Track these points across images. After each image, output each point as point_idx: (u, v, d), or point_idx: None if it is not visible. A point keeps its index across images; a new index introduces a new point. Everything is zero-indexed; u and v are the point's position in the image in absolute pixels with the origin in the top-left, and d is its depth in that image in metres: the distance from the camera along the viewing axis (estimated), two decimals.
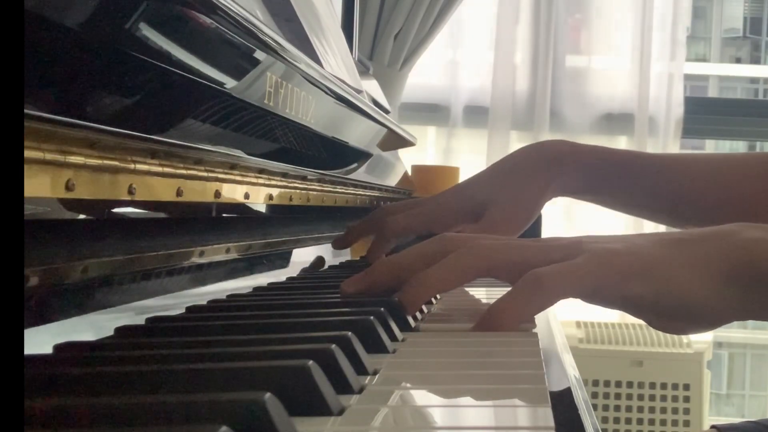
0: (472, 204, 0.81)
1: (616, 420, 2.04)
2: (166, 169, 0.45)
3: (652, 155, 0.68)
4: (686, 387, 2.03)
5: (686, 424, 2.03)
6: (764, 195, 0.66)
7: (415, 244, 0.58)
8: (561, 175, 0.81)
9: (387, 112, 1.24)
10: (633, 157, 0.82)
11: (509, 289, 0.50)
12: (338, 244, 0.82)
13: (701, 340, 2.07)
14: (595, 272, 0.50)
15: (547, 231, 1.27)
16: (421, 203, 0.84)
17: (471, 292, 0.72)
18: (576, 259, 0.50)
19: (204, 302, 0.54)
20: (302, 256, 0.78)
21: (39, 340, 0.37)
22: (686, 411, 2.03)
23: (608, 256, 0.50)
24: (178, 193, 0.46)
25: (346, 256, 0.94)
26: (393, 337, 0.46)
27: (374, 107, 0.95)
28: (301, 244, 0.76)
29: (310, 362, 0.30)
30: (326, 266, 0.82)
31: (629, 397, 2.04)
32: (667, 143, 2.26)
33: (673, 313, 0.52)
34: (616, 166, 0.81)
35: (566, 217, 2.23)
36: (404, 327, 0.50)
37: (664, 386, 2.04)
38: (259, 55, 0.54)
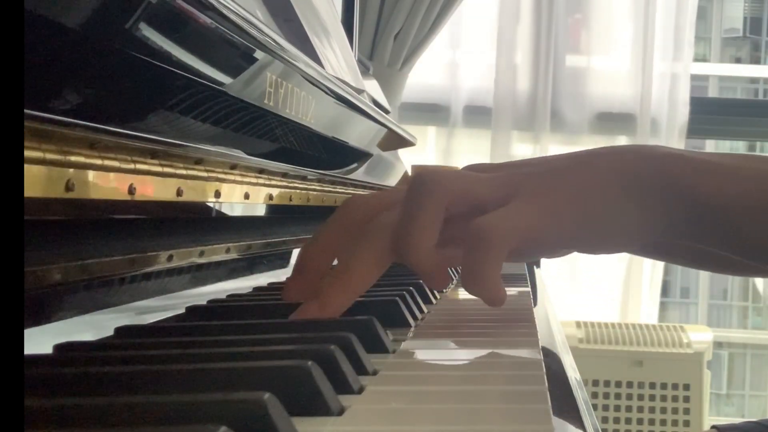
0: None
1: (616, 420, 2.04)
2: (166, 169, 0.45)
3: (558, 156, 0.57)
4: (686, 387, 2.03)
5: (686, 424, 2.03)
6: None
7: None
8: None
9: (387, 112, 1.24)
10: (538, 163, 0.64)
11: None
12: None
13: (701, 340, 2.07)
14: (536, 224, 0.49)
15: None
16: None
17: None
18: (514, 203, 0.49)
19: (204, 302, 0.54)
20: None
21: (39, 340, 0.37)
22: (686, 411, 2.03)
23: (542, 198, 0.50)
24: (178, 193, 0.46)
25: None
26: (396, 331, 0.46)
27: (374, 107, 0.95)
28: (301, 244, 0.76)
29: (310, 362, 0.30)
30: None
31: (629, 397, 2.04)
32: (671, 144, 2.26)
33: (602, 230, 0.51)
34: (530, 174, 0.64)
35: None
36: (405, 326, 0.50)
37: (664, 386, 2.04)
38: (258, 54, 0.54)
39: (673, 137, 2.26)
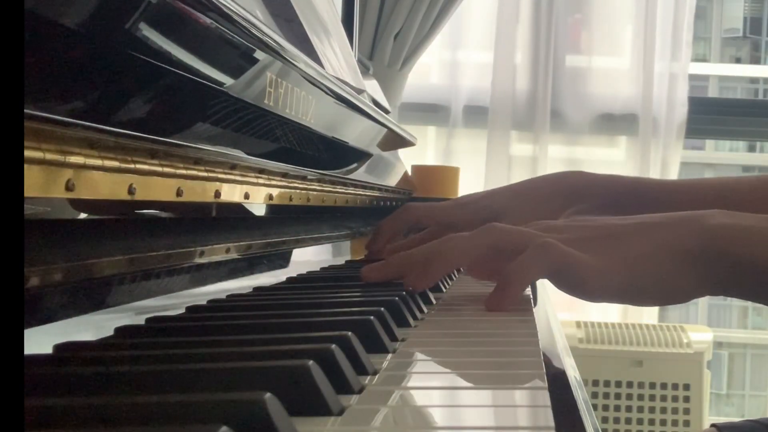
0: (487, 213, 0.87)
1: (616, 420, 2.04)
2: (166, 169, 0.45)
3: (658, 181, 0.73)
4: (686, 387, 2.03)
5: (686, 424, 2.03)
6: None
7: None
8: (575, 204, 0.87)
9: (387, 112, 1.24)
10: (639, 184, 0.87)
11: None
12: (372, 246, 0.89)
13: (701, 340, 2.07)
14: (593, 272, 0.58)
15: None
16: (442, 204, 0.93)
17: (472, 292, 0.72)
18: (583, 253, 0.59)
19: (204, 302, 0.54)
20: (302, 256, 0.78)
21: (39, 340, 0.37)
22: (686, 411, 2.03)
23: (599, 260, 0.59)
24: (178, 193, 0.46)
25: (346, 256, 0.94)
26: (393, 337, 0.46)
27: (374, 107, 0.95)
28: (301, 244, 0.76)
29: (310, 362, 0.30)
30: (327, 266, 0.82)
31: (629, 397, 2.04)
32: (670, 144, 2.26)
33: (650, 294, 0.60)
34: (624, 194, 0.85)
35: None
36: (405, 326, 0.50)
37: (664, 386, 2.04)
38: (259, 55, 0.54)
39: (671, 137, 2.26)
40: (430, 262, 0.61)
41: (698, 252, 0.58)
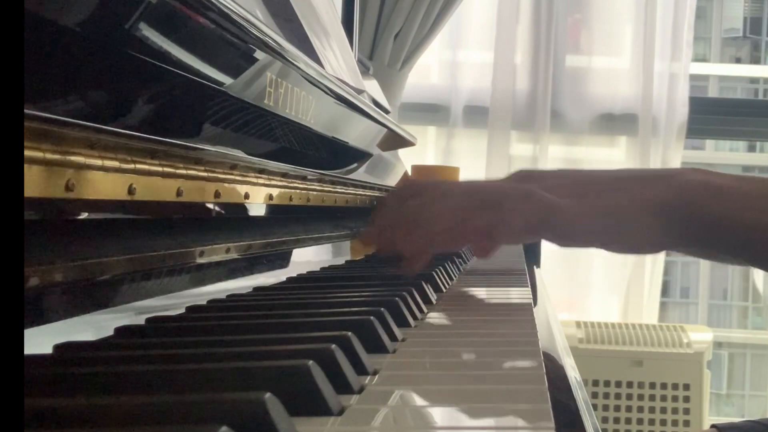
0: None
1: (616, 420, 2.04)
2: (166, 169, 0.45)
3: (606, 172, 0.75)
4: (686, 387, 2.03)
5: (686, 424, 2.03)
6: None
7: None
8: None
9: (387, 112, 1.24)
10: (585, 176, 0.88)
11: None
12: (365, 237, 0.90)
13: (701, 340, 2.07)
14: (569, 215, 0.63)
15: None
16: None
17: (472, 292, 0.72)
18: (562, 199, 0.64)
19: (204, 302, 0.54)
20: (302, 256, 0.78)
21: (39, 340, 0.37)
22: (686, 411, 2.03)
23: (580, 206, 0.63)
24: (178, 193, 0.46)
25: (346, 256, 0.94)
26: (393, 337, 0.46)
27: (374, 107, 0.95)
28: (301, 244, 0.76)
29: (310, 362, 0.30)
30: (326, 266, 0.82)
31: (629, 397, 2.04)
32: (670, 144, 2.26)
33: (624, 242, 0.65)
34: (575, 185, 0.87)
35: None
36: (405, 326, 0.50)
37: (664, 386, 2.04)
38: (259, 55, 0.54)
39: (672, 137, 2.26)
40: (418, 224, 0.64)
41: (670, 205, 0.62)
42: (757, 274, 3.28)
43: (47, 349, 0.38)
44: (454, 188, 0.67)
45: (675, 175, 0.65)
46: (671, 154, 2.26)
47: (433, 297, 0.64)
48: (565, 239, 0.64)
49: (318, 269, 0.79)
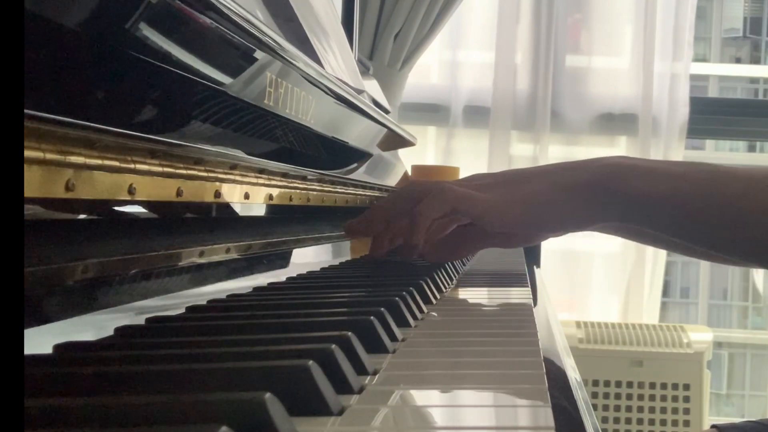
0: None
1: (616, 420, 2.04)
2: (166, 169, 0.45)
3: (532, 168, 0.81)
4: (686, 387, 2.03)
5: (686, 424, 2.03)
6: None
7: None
8: None
9: (387, 112, 1.24)
10: (510, 172, 0.89)
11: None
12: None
13: (701, 340, 2.07)
14: (492, 206, 0.70)
15: None
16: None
17: (472, 292, 0.72)
18: (483, 193, 0.71)
19: (204, 302, 0.54)
20: (302, 256, 0.78)
21: (39, 340, 0.37)
22: (686, 411, 2.03)
23: (503, 197, 0.70)
24: (178, 193, 0.46)
25: (346, 256, 0.94)
26: (393, 337, 0.46)
27: (374, 107, 0.95)
28: (301, 244, 0.76)
29: (310, 362, 0.30)
30: (326, 266, 0.82)
31: (629, 397, 2.04)
32: (671, 144, 2.26)
33: (548, 224, 0.71)
34: (498, 180, 0.88)
35: None
36: (405, 326, 0.50)
37: (664, 386, 2.04)
38: (259, 55, 0.54)
39: (673, 137, 2.26)
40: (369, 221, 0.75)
41: (591, 186, 0.69)
42: (757, 274, 3.28)
43: (47, 349, 0.38)
44: (398, 190, 0.81)
45: (597, 160, 0.71)
46: (672, 155, 2.26)
47: (433, 297, 0.64)
48: (486, 223, 0.71)
49: (318, 269, 0.79)
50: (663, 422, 2.03)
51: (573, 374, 0.44)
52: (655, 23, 2.26)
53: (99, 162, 0.38)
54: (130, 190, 0.41)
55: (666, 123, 2.26)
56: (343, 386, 0.33)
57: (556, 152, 2.30)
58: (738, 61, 4.25)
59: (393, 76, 2.20)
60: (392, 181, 1.19)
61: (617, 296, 2.32)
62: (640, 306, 2.28)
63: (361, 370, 0.37)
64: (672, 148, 2.26)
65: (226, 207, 0.60)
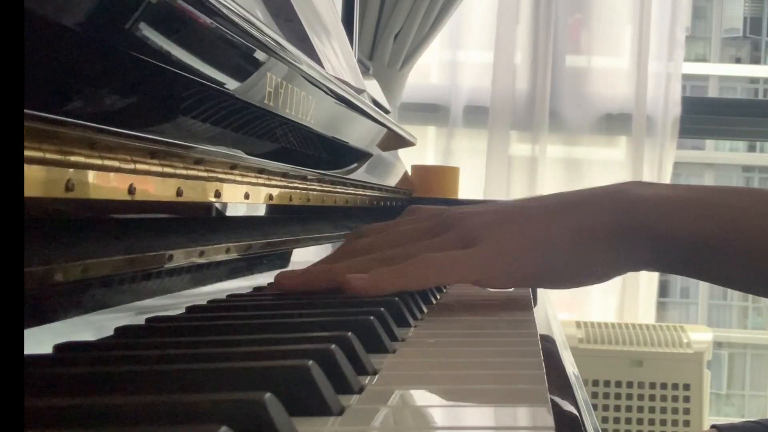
0: None
1: (616, 420, 2.04)
2: (166, 169, 0.45)
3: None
4: (686, 387, 2.03)
5: (686, 424, 2.03)
6: None
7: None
8: None
9: (387, 112, 1.24)
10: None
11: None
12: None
13: (701, 340, 2.07)
14: (481, 267, 0.55)
15: None
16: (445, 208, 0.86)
17: (472, 292, 0.72)
18: (470, 250, 0.55)
19: (204, 302, 0.54)
20: (302, 256, 0.78)
21: (39, 340, 0.37)
22: (686, 411, 2.03)
23: (498, 247, 0.56)
24: (178, 193, 0.46)
25: None
26: (393, 337, 0.46)
27: (374, 107, 0.95)
28: (301, 244, 0.76)
29: (310, 362, 0.30)
30: None
31: (629, 397, 2.04)
32: (665, 143, 2.26)
33: (559, 278, 0.57)
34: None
35: None
36: (405, 326, 0.50)
37: (664, 386, 2.04)
38: (259, 55, 0.54)
39: (667, 137, 2.26)
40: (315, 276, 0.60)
41: (615, 228, 0.55)
42: None
43: (47, 349, 0.38)
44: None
45: (614, 193, 0.56)
46: (666, 154, 2.26)
47: (433, 297, 0.64)
48: (488, 285, 0.58)
49: None
50: (663, 422, 2.03)
51: (573, 374, 0.44)
52: (650, 23, 2.26)
53: (99, 162, 0.38)
54: (130, 190, 0.41)
55: (661, 123, 2.26)
56: (343, 386, 0.33)
57: (556, 152, 2.30)
58: (738, 61, 4.25)
59: (393, 76, 2.20)
60: (392, 181, 1.19)
61: (614, 296, 2.32)
62: (636, 306, 2.28)
63: (361, 370, 0.37)
64: (666, 148, 2.26)
65: (226, 207, 0.60)
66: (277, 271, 0.62)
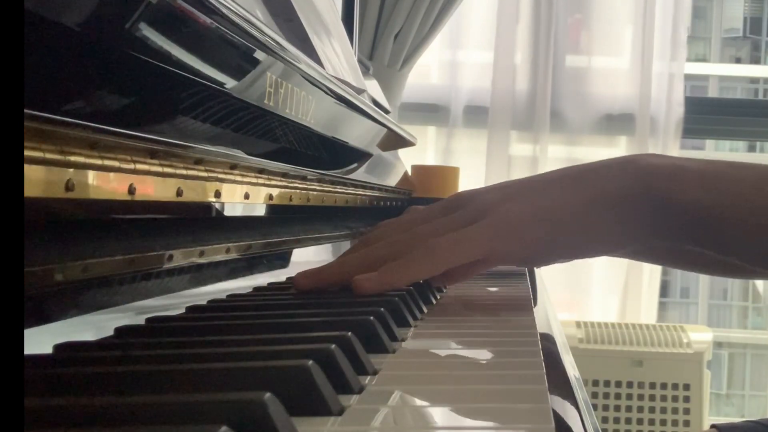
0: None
1: (616, 420, 2.04)
2: (166, 169, 0.45)
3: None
4: (686, 387, 2.03)
5: (686, 424, 2.03)
6: None
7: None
8: None
9: (387, 112, 1.24)
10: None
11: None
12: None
13: (701, 340, 2.07)
14: (489, 240, 0.55)
15: None
16: None
17: (472, 292, 0.72)
18: (475, 224, 0.55)
19: (204, 302, 0.54)
20: (302, 256, 0.78)
21: (39, 340, 0.37)
22: (686, 411, 2.03)
23: (506, 218, 0.55)
24: (178, 193, 0.46)
25: None
26: (393, 337, 0.46)
27: (374, 107, 0.95)
28: (301, 244, 0.76)
29: (310, 362, 0.30)
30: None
31: (629, 397, 2.04)
32: (668, 143, 2.26)
33: (568, 248, 0.57)
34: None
35: None
36: (405, 326, 0.50)
37: (664, 386, 2.04)
38: (259, 55, 0.54)
39: (669, 137, 2.26)
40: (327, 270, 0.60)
41: (625, 194, 0.55)
42: None
43: (47, 349, 0.38)
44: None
45: (629, 162, 0.56)
46: (668, 154, 2.26)
47: (433, 297, 0.64)
48: (502, 262, 0.58)
49: None
50: (663, 422, 2.03)
51: (573, 374, 0.44)
52: (653, 23, 2.26)
53: (99, 162, 0.38)
54: (130, 190, 0.41)
55: (663, 123, 2.26)
56: (343, 386, 0.33)
57: (556, 152, 2.30)
58: (738, 61, 4.25)
59: (393, 76, 2.20)
60: (392, 181, 1.19)
61: (616, 296, 2.32)
62: (638, 306, 2.28)
63: (361, 370, 0.37)
64: (669, 148, 2.26)
65: (226, 207, 0.60)
66: (277, 271, 0.62)
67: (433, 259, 0.55)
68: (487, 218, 0.56)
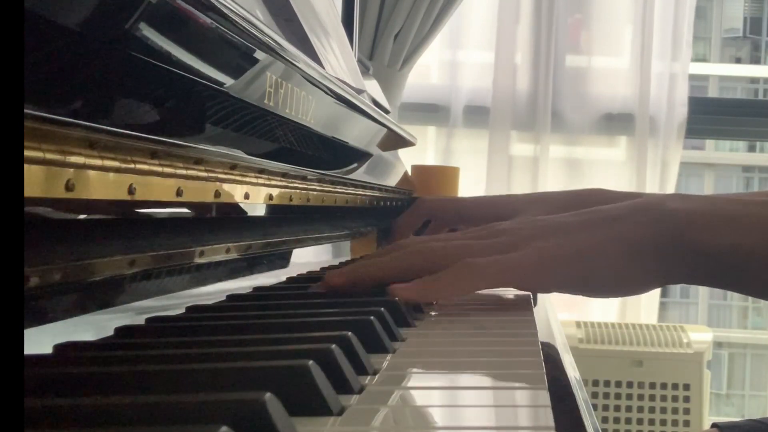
0: (500, 212, 0.88)
1: (616, 420, 2.04)
2: (166, 169, 0.45)
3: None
4: (686, 387, 2.03)
5: (686, 424, 2.03)
6: None
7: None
8: None
9: (387, 112, 1.24)
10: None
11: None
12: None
13: (701, 340, 2.07)
14: (526, 270, 0.57)
15: None
16: (456, 198, 0.99)
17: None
18: (515, 253, 0.58)
19: (204, 302, 0.54)
20: (302, 256, 0.78)
21: (39, 340, 0.37)
22: (686, 411, 2.03)
23: (542, 254, 0.57)
24: (178, 193, 0.46)
25: (346, 256, 0.94)
26: (393, 337, 0.46)
27: (374, 107, 0.95)
28: (301, 244, 0.76)
29: (310, 362, 0.30)
30: (326, 266, 0.82)
31: (629, 397, 2.04)
32: (669, 144, 2.26)
33: (601, 287, 0.58)
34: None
35: None
36: (405, 326, 0.50)
37: (664, 386, 2.04)
38: (258, 55, 0.54)
39: (671, 137, 2.26)
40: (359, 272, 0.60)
41: (656, 241, 0.56)
42: None
43: (47, 349, 0.38)
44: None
45: (653, 206, 0.57)
46: (671, 155, 2.26)
47: None
48: (531, 289, 0.61)
49: (318, 269, 0.79)
50: (663, 422, 2.03)
51: (573, 374, 0.44)
52: (653, 23, 2.26)
53: (99, 162, 0.38)
54: (130, 190, 0.41)
55: (664, 123, 2.26)
56: (343, 386, 0.33)
57: (557, 152, 2.29)
58: (738, 61, 4.25)
59: (393, 76, 2.20)
60: (392, 181, 1.19)
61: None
62: (638, 306, 2.28)
63: (361, 370, 0.37)
64: (670, 149, 2.26)
65: (226, 207, 0.60)
66: (277, 271, 0.62)
67: (475, 279, 0.57)
68: (524, 251, 0.58)
